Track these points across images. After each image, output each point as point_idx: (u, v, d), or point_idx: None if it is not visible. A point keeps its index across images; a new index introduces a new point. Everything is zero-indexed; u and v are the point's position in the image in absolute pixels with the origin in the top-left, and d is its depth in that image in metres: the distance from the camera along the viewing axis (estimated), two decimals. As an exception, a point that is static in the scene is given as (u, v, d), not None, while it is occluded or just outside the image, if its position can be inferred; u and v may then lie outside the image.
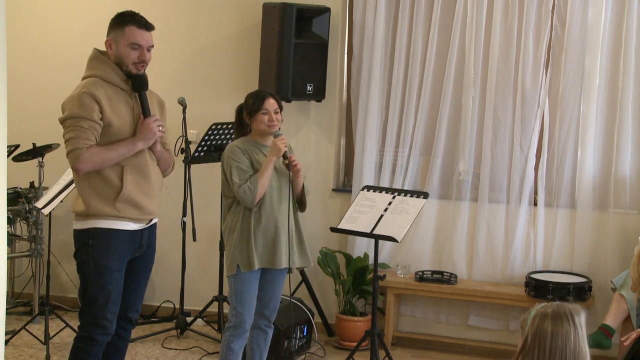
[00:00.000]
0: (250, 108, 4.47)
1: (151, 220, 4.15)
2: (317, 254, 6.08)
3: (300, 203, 4.60)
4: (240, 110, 4.57)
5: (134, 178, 4.00)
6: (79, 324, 4.11)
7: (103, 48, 4.07)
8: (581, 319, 2.60)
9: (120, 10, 4.09)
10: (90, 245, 3.97)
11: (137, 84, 4.03)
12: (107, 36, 4.04)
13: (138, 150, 4.00)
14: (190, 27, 6.51)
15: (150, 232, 4.16)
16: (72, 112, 3.90)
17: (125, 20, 4.01)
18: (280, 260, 4.46)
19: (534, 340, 2.57)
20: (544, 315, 2.59)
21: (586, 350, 2.60)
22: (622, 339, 4.49)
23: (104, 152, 3.91)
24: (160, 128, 4.05)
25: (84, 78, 4.02)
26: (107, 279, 3.97)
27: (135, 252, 4.10)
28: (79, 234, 4.03)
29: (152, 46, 4.07)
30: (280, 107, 4.52)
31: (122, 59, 3.99)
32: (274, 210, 4.45)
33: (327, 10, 6.05)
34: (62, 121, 3.95)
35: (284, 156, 4.43)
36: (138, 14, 4.07)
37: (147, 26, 4.05)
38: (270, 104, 4.45)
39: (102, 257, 3.96)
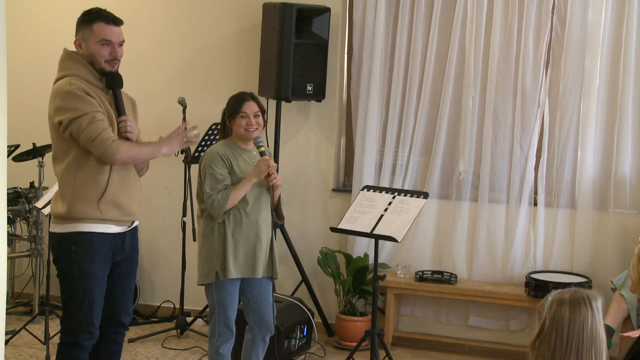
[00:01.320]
0: (230, 110, 4.39)
1: (133, 222, 4.05)
2: (317, 254, 6.08)
3: (276, 213, 4.52)
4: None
5: (118, 178, 3.92)
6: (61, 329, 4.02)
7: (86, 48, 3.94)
8: (598, 303, 2.63)
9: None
10: (74, 252, 3.87)
11: (112, 81, 3.92)
12: (76, 36, 3.92)
13: (162, 155, 4.04)
14: (190, 27, 6.50)
15: (132, 235, 4.06)
16: (80, 109, 3.78)
17: (92, 18, 3.89)
18: (259, 269, 4.40)
19: (551, 325, 2.60)
20: (562, 300, 2.61)
21: (603, 335, 2.62)
22: (623, 334, 4.50)
23: (136, 146, 3.94)
24: (129, 128, 3.94)
25: (58, 79, 3.92)
26: (91, 284, 3.89)
27: (118, 256, 4.00)
28: (59, 239, 3.92)
29: (123, 41, 3.96)
30: (262, 111, 4.42)
31: (94, 57, 3.89)
32: (256, 218, 4.38)
33: (327, 10, 6.05)
34: (72, 120, 3.77)
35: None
36: (105, 9, 3.95)
37: (116, 21, 3.92)
38: (250, 107, 4.35)
39: (86, 263, 3.87)
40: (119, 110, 3.94)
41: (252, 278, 4.42)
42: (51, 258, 4.12)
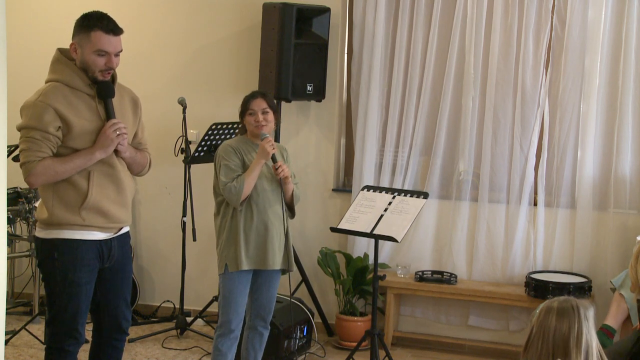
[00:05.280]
0: (241, 108, 4.55)
1: (121, 229, 3.95)
2: (317, 254, 6.08)
3: (289, 209, 4.61)
4: None
5: (102, 184, 3.81)
6: (48, 332, 3.97)
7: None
8: (588, 312, 2.63)
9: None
10: (56, 259, 3.79)
11: (103, 91, 3.79)
12: (72, 39, 3.76)
13: (98, 160, 3.76)
14: (190, 27, 6.50)
15: (120, 241, 3.95)
16: (25, 122, 3.73)
17: (91, 25, 3.73)
18: (272, 261, 4.49)
19: (538, 332, 2.61)
20: (550, 309, 2.63)
21: (593, 343, 2.61)
22: None
23: (58, 164, 3.71)
24: (118, 133, 3.77)
25: (47, 81, 3.83)
26: (75, 292, 3.80)
27: (105, 263, 3.90)
28: (42, 244, 3.85)
29: (121, 51, 3.79)
30: (272, 108, 4.51)
31: (88, 66, 3.74)
32: (266, 212, 4.48)
33: (327, 10, 6.05)
34: (18, 130, 3.75)
35: (273, 160, 4.44)
36: (106, 16, 3.78)
37: (115, 31, 3.75)
38: (258, 104, 4.48)
39: (69, 270, 3.79)
40: (109, 119, 3.81)
41: (263, 270, 4.52)
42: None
